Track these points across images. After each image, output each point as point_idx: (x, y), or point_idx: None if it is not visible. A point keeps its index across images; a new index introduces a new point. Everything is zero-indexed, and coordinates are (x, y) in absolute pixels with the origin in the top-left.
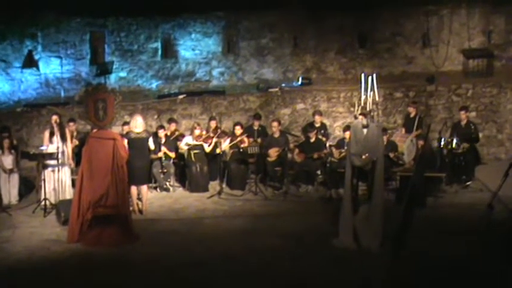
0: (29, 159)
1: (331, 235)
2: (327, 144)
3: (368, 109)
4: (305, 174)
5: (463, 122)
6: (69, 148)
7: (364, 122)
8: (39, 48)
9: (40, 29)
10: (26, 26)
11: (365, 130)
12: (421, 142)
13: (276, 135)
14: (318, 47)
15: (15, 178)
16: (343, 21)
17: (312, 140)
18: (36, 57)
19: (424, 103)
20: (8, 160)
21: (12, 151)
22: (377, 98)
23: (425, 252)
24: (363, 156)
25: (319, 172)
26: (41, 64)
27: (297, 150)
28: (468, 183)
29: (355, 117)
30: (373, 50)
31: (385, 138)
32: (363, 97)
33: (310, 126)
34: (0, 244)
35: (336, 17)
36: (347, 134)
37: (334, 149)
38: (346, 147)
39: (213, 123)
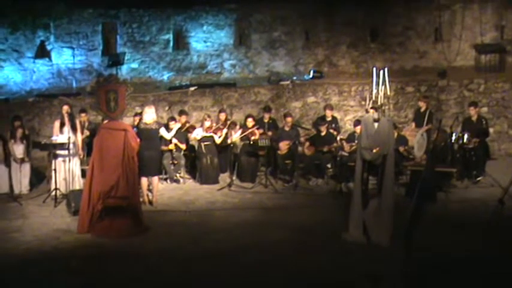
0: (40, 148)
1: (341, 229)
2: (338, 138)
3: (379, 103)
4: (315, 167)
5: (474, 117)
6: (78, 138)
7: (375, 116)
8: (52, 38)
9: (53, 20)
10: (39, 17)
11: (376, 124)
12: (434, 135)
13: (287, 128)
14: (330, 41)
15: (26, 168)
16: (355, 15)
17: (323, 133)
18: (49, 47)
19: (435, 98)
20: (20, 149)
21: (24, 141)
22: (388, 92)
23: (434, 247)
24: (374, 150)
25: (329, 165)
26: (53, 54)
27: (307, 144)
28: (479, 178)
29: (366, 111)
30: (385, 44)
31: (395, 132)
32: (374, 91)
33: (321, 119)
34: (11, 234)
35: (347, 11)
36: (358, 127)
37: (344, 143)
38: (356, 141)
39: (222, 116)
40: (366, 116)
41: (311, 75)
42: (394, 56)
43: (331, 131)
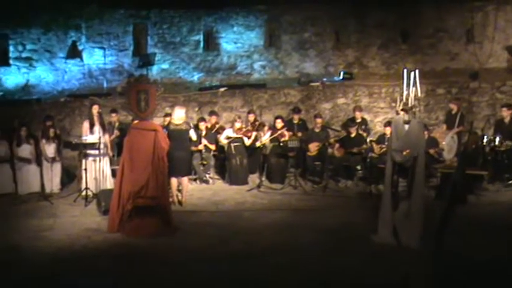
0: (71, 148)
1: (370, 231)
2: (368, 140)
3: (410, 105)
4: (345, 169)
5: (507, 119)
6: (108, 139)
7: (406, 117)
8: (83, 39)
9: (84, 21)
10: (70, 18)
11: (406, 126)
12: (465, 138)
13: (317, 129)
14: (360, 42)
15: (57, 167)
16: (386, 16)
17: (353, 135)
18: (80, 48)
19: (466, 100)
20: (51, 149)
21: (55, 140)
22: (419, 94)
23: (464, 249)
24: (404, 152)
25: (359, 167)
26: (84, 55)
27: (337, 145)
28: (511, 181)
29: (397, 113)
30: (416, 45)
31: (426, 134)
32: (405, 93)
33: (351, 121)
34: (43, 232)
35: (378, 12)
36: (388, 129)
37: (374, 145)
38: (386, 143)
39: (251, 117)
40: (396, 118)
41: (341, 77)
42: (425, 58)
43: (361, 132)
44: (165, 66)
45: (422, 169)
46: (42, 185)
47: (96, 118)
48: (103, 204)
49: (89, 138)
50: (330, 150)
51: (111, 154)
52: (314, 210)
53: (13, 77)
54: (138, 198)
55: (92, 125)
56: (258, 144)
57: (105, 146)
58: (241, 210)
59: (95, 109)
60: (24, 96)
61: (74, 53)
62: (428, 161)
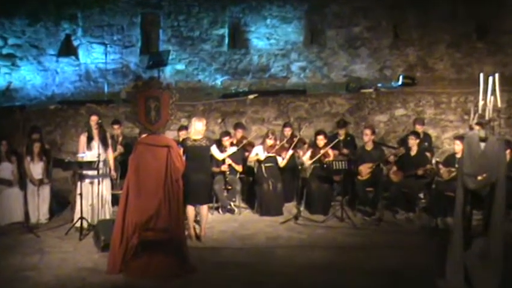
0: (63, 168)
1: (436, 275)
2: (433, 161)
3: (487, 118)
4: (404, 197)
5: None
6: (110, 156)
7: (482, 134)
8: (79, 32)
9: (81, 9)
10: (64, 6)
11: (482, 144)
12: None
13: (369, 147)
14: (424, 39)
15: (45, 191)
16: (457, 7)
17: (413, 153)
18: (75, 43)
19: None
20: (38, 169)
21: (43, 158)
22: (499, 104)
23: None
24: (479, 177)
25: (421, 195)
26: (80, 52)
27: (394, 167)
28: None
29: (470, 128)
30: (496, 43)
31: (507, 154)
32: (481, 102)
33: (412, 134)
34: (26, 272)
35: (447, 1)
36: (459, 148)
37: (441, 167)
38: (457, 165)
39: (287, 131)
40: (469, 134)
41: (400, 82)
42: (507, 59)
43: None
44: (180, 67)
45: (502, 198)
46: (27, 214)
47: (95, 131)
48: (102, 238)
49: (85, 156)
50: (385, 173)
51: (114, 176)
52: (365, 249)
53: None
54: (147, 231)
55: (90, 140)
56: (301, 167)
57: (106, 165)
58: (273, 247)
59: (94, 120)
60: (5, 103)
61: (67, 49)
62: (511, 188)
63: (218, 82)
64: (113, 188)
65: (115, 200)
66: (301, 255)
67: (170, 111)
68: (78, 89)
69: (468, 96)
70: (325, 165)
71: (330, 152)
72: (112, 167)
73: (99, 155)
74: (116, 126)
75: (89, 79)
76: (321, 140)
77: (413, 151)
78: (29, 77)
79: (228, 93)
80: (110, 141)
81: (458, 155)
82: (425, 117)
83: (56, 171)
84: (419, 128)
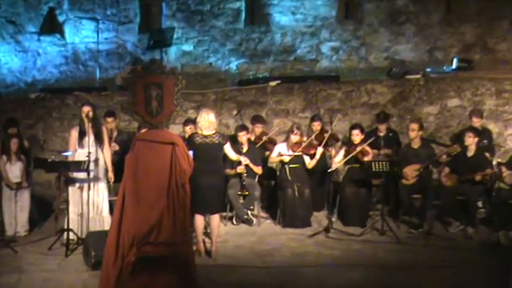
0: (46, 169)
1: None
2: (494, 162)
3: None
4: (458, 205)
5: None
6: (107, 155)
7: None
8: (65, 5)
9: None
10: None
11: None
12: None
13: (415, 145)
14: (483, 13)
15: (24, 197)
16: None
17: (470, 153)
18: (61, 18)
19: None
20: (16, 170)
21: (22, 157)
22: None
23: None
24: None
25: (480, 204)
26: (66, 29)
27: (446, 169)
28: None
29: None
30: None
31: None
32: None
33: (470, 130)
34: None
35: None
36: None
37: (504, 170)
38: None
39: (316, 125)
40: None
41: (454, 66)
42: None
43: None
44: (188, 47)
45: None
46: (2, 224)
47: (87, 125)
48: (93, 254)
49: (74, 155)
50: (435, 176)
51: (112, 178)
52: (412, 268)
53: None
54: (146, 245)
55: (81, 135)
56: (332, 167)
57: (99, 166)
58: (300, 266)
59: (85, 112)
60: None
61: (51, 26)
62: None
63: (233, 66)
64: (110, 193)
65: (111, 208)
66: (333, 276)
67: (175, 101)
68: (64, 74)
69: None
70: (362, 167)
71: (369, 149)
72: (110, 168)
73: (89, 153)
74: (109, 120)
75: (77, 62)
76: (356, 136)
77: (471, 151)
78: (5, 59)
79: (244, 79)
80: (106, 138)
81: None
82: (485, 109)
83: (37, 173)
84: (476, 121)
